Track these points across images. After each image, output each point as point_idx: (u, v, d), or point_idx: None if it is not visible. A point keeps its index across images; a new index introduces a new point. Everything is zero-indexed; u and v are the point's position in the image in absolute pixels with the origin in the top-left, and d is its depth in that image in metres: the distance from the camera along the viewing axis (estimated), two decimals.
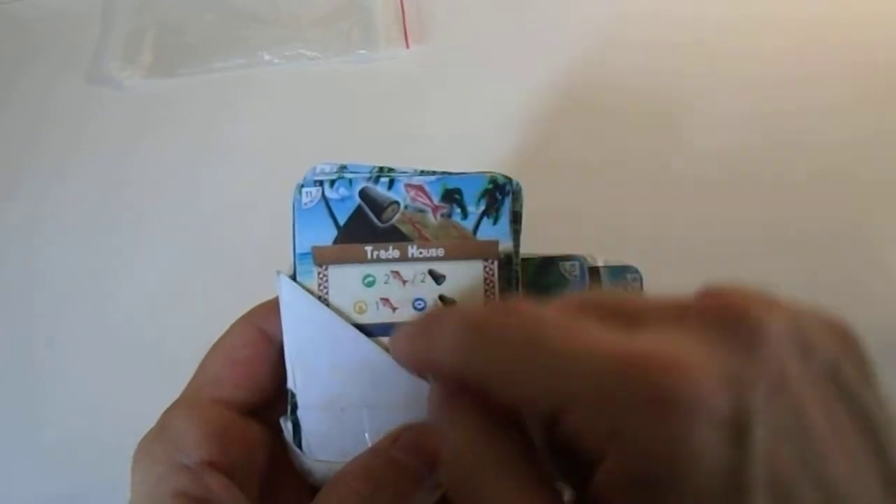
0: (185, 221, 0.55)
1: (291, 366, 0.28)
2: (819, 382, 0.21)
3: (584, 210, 0.53)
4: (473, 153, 0.55)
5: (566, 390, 0.21)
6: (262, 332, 0.29)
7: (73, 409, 0.50)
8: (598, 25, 0.61)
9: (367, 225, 0.28)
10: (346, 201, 0.29)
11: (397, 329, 0.27)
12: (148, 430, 0.28)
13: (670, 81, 0.58)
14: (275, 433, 0.29)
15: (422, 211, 0.28)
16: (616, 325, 0.22)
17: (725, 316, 0.22)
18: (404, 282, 0.28)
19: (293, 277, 0.28)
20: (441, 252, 0.28)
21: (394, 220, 0.28)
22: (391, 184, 0.29)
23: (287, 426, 0.28)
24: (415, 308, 0.28)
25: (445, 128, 0.57)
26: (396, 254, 0.28)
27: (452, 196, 0.29)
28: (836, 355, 0.22)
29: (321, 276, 0.28)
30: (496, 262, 0.28)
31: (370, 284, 0.28)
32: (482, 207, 0.28)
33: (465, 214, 0.28)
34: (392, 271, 0.28)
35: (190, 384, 0.29)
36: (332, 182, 0.29)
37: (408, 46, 0.60)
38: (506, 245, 0.28)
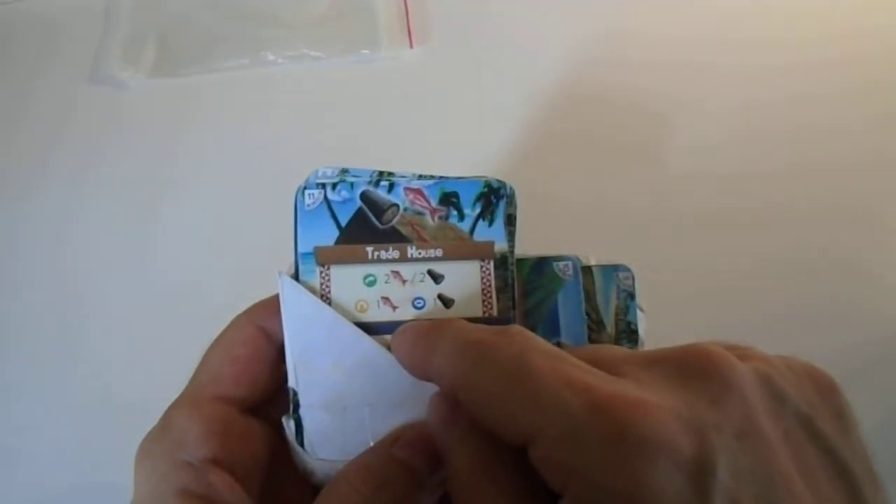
0: (189, 221, 0.55)
1: (293, 364, 0.28)
2: (791, 429, 0.22)
3: (584, 211, 0.54)
4: (476, 153, 0.55)
5: (539, 421, 0.21)
6: (260, 329, 0.29)
7: (73, 409, 0.50)
8: (604, 24, 0.61)
9: (367, 226, 0.29)
10: (347, 203, 0.29)
11: (400, 330, 0.27)
12: (151, 427, 0.28)
13: (672, 78, 0.58)
14: (276, 431, 0.29)
15: (420, 213, 0.29)
16: (598, 371, 0.23)
17: (698, 363, 0.22)
18: (404, 281, 0.29)
19: (294, 277, 0.29)
20: (439, 252, 0.29)
21: (394, 222, 0.29)
22: (391, 187, 0.29)
23: (289, 425, 0.28)
24: (414, 307, 0.29)
25: (448, 128, 0.57)
26: (396, 254, 0.29)
27: (449, 199, 0.30)
28: (812, 403, 0.22)
29: (323, 275, 0.29)
30: (492, 262, 0.29)
31: (371, 284, 0.29)
32: (478, 210, 0.29)
33: (461, 217, 0.29)
34: (392, 271, 0.29)
35: (191, 382, 0.29)
36: (334, 185, 0.29)
37: (411, 46, 0.61)
38: (501, 246, 0.29)
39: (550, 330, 0.30)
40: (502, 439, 0.23)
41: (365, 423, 0.28)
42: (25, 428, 0.50)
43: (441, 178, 0.30)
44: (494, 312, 0.29)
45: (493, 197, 0.30)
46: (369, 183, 0.29)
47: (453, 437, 0.25)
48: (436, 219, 0.29)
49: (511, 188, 0.30)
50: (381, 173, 0.30)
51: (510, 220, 0.30)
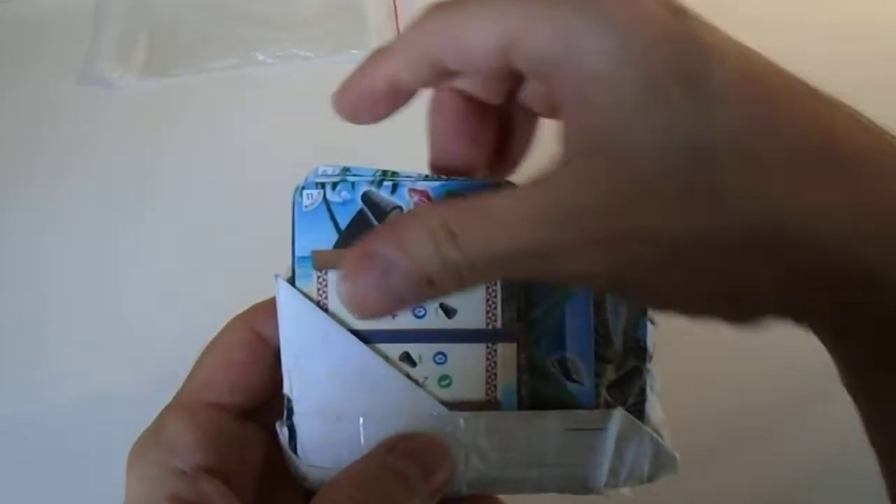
0: (179, 222, 0.55)
1: (288, 371, 0.28)
2: None
3: None
4: None
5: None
6: (256, 333, 0.29)
7: (68, 409, 0.50)
8: None
9: (368, 229, 0.28)
10: (347, 205, 0.28)
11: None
12: (142, 431, 0.27)
13: None
14: (270, 436, 0.29)
15: None
16: None
17: None
18: None
19: (291, 281, 0.28)
20: None
21: None
22: (395, 188, 0.28)
23: (283, 431, 0.28)
24: (415, 315, 0.28)
25: None
26: None
27: None
28: None
29: (321, 280, 0.28)
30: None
31: None
32: None
33: None
34: None
35: (184, 386, 0.29)
36: (334, 185, 0.28)
37: None
38: None
39: (556, 344, 0.28)
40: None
41: (359, 432, 0.27)
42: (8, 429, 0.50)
43: (448, 178, 0.28)
44: (499, 325, 0.28)
45: None
46: (371, 183, 0.28)
47: None
48: None
49: None
50: (384, 173, 0.29)
51: None
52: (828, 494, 0.46)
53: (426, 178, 0.28)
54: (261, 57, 0.61)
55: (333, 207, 0.28)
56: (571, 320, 0.28)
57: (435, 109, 0.29)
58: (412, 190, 0.28)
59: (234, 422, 0.28)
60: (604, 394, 0.29)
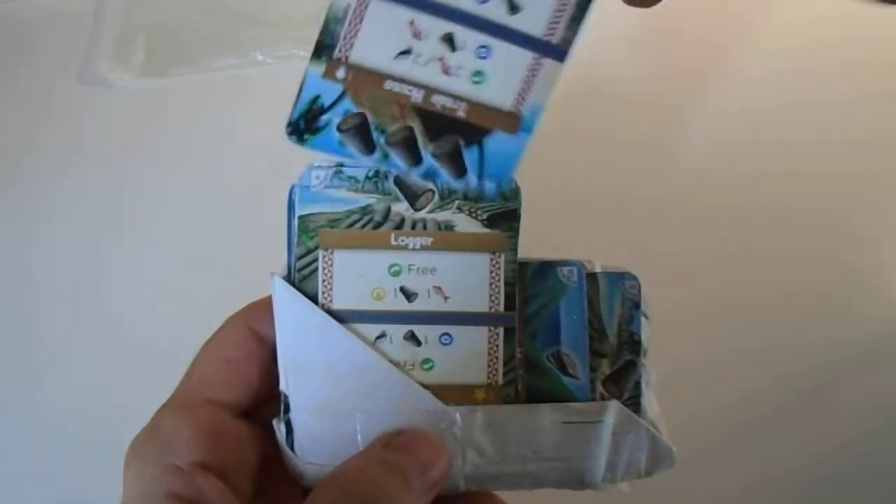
0: (177, 222, 0.55)
1: (284, 368, 0.28)
2: None
3: (587, 211, 0.54)
4: None
5: None
6: (252, 331, 0.29)
7: (67, 410, 0.50)
8: (602, 23, 0.61)
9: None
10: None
11: None
12: (140, 428, 0.28)
13: (674, 78, 0.58)
14: (267, 433, 0.29)
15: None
16: None
17: None
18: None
19: (287, 278, 0.28)
20: (428, 241, 0.28)
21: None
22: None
23: (280, 428, 0.28)
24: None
25: None
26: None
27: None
28: None
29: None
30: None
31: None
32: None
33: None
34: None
35: (181, 384, 0.29)
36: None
37: None
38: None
39: (551, 338, 0.29)
40: None
41: (356, 429, 0.28)
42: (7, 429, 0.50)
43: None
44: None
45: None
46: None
47: None
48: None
49: (516, 184, 0.29)
50: (376, 172, 0.29)
51: (515, 217, 0.29)
52: (828, 494, 0.46)
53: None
54: (260, 57, 0.60)
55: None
56: (566, 315, 0.29)
57: None
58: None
59: (232, 419, 0.28)
60: (599, 388, 0.29)
